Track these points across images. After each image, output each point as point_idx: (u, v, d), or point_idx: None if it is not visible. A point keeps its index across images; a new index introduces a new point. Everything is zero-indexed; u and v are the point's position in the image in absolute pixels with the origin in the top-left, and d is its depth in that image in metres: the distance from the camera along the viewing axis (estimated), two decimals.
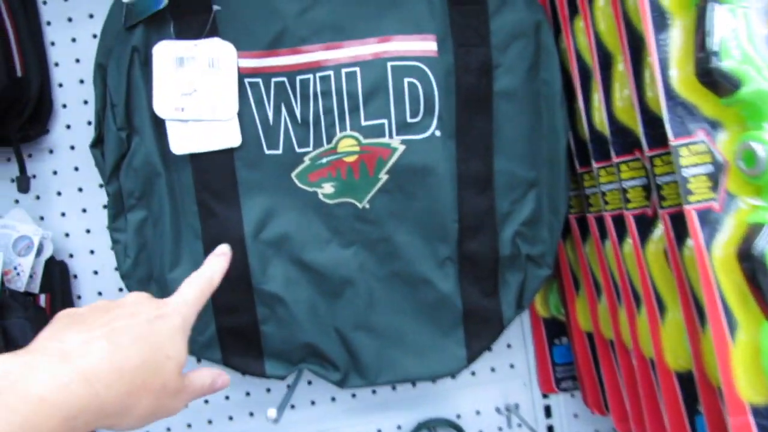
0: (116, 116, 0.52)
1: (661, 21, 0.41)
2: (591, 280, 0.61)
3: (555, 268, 0.67)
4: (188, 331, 0.37)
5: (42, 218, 0.71)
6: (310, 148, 0.54)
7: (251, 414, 0.73)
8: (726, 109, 0.40)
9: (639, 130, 0.45)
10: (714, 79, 0.39)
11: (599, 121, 0.52)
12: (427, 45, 0.53)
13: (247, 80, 0.53)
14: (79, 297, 0.72)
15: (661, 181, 0.45)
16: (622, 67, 0.49)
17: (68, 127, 0.70)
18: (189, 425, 0.72)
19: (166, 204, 0.54)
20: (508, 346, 0.76)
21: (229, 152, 0.53)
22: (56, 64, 0.70)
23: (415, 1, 0.53)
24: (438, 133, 0.54)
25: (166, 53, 0.51)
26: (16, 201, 0.70)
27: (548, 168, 0.57)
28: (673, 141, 0.40)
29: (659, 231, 0.48)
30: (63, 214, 0.71)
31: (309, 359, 0.58)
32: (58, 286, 0.68)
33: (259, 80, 0.53)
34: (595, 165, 0.54)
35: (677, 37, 0.41)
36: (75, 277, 0.72)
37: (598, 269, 0.58)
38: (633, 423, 0.55)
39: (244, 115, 0.53)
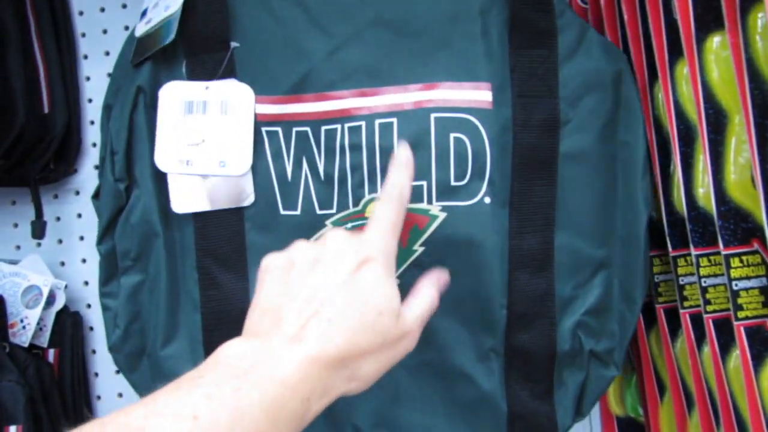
0: (115, 165, 0.46)
1: None
2: (681, 388, 0.49)
3: (636, 362, 0.55)
4: (393, 267, 0.36)
5: (63, 263, 0.67)
6: (333, 211, 0.46)
7: None
8: None
9: (762, 213, 0.34)
10: None
11: (703, 195, 0.41)
12: (481, 95, 0.44)
13: (264, 129, 0.46)
14: (93, 351, 0.67)
15: None
16: (740, 128, 0.38)
17: (97, 167, 0.66)
18: None
19: (163, 269, 0.47)
20: None
21: (238, 211, 0.46)
22: (89, 101, 0.66)
23: (469, 42, 0.44)
24: (487, 200, 0.45)
25: (174, 96, 0.45)
26: (39, 244, 0.67)
27: (623, 247, 0.46)
28: None
29: None
30: (84, 261, 0.67)
31: None
32: (68, 339, 0.63)
33: (279, 129, 0.46)
34: (694, 251, 0.42)
35: None
36: (91, 329, 0.67)
37: (690, 378, 0.46)
38: None
39: (258, 169, 0.46)
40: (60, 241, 0.67)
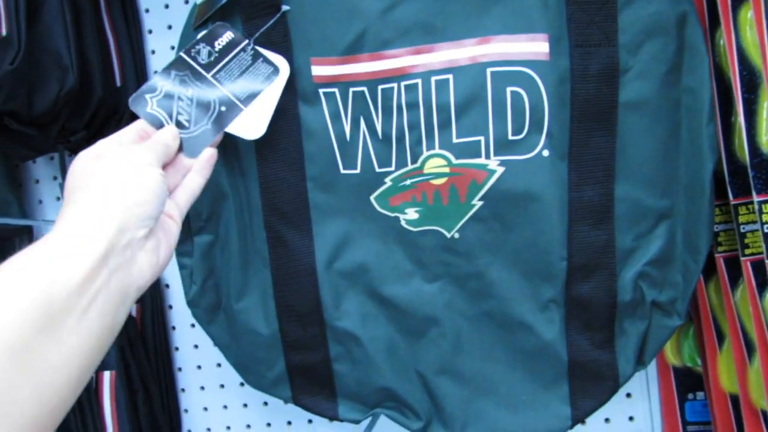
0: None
1: None
2: (741, 336, 0.49)
3: (693, 313, 0.55)
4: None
5: None
6: (393, 168, 0.47)
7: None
8: None
9: None
10: None
11: (767, 142, 0.40)
12: (537, 46, 0.44)
13: (321, 90, 0.47)
14: (170, 307, 0.72)
15: None
16: None
17: None
18: None
19: (233, 228, 0.50)
20: (628, 395, 0.65)
21: (300, 172, 0.48)
22: (155, 72, 0.69)
23: None
24: (546, 153, 0.45)
25: None
26: None
27: (686, 196, 0.46)
28: None
29: None
30: None
31: (386, 403, 0.51)
32: (148, 296, 0.68)
33: (336, 90, 0.47)
34: (756, 197, 0.42)
35: None
36: (167, 286, 0.72)
37: (751, 325, 0.46)
38: None
39: (316, 130, 0.48)
40: None
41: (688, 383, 0.62)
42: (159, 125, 0.42)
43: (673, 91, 0.44)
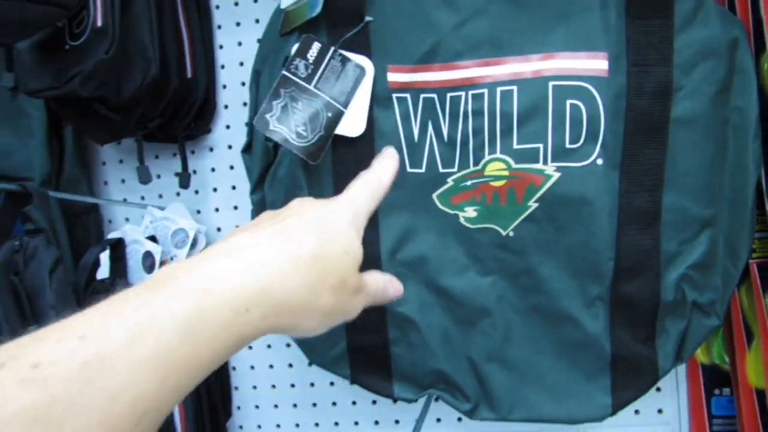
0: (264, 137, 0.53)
1: None
2: (749, 328, 0.52)
3: (725, 315, 0.59)
4: (361, 229, 0.35)
5: (198, 212, 0.76)
6: (455, 169, 0.51)
7: (376, 423, 0.73)
8: None
9: None
10: None
11: None
12: (597, 63, 0.47)
13: (395, 95, 0.51)
14: None
15: None
16: None
17: (228, 127, 0.74)
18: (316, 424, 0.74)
19: None
20: (658, 389, 0.68)
21: None
22: (222, 67, 0.73)
23: (587, 14, 0.47)
24: (600, 162, 0.48)
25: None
26: (178, 194, 0.76)
27: (730, 207, 0.49)
28: None
29: None
30: (217, 210, 0.75)
31: (438, 385, 0.56)
32: None
33: (408, 95, 0.51)
34: None
35: None
36: None
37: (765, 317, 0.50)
38: None
39: (388, 131, 0.52)
40: (196, 192, 0.75)
41: (715, 380, 0.65)
42: (282, 139, 0.47)
43: (721, 109, 0.48)
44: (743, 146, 0.48)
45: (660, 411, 0.69)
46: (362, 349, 0.55)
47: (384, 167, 0.40)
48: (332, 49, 0.49)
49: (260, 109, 0.48)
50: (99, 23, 0.56)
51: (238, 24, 0.72)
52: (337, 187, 0.53)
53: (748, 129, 0.47)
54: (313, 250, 0.30)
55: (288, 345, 0.74)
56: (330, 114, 0.48)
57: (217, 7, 0.73)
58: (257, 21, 0.72)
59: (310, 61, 0.49)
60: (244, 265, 0.27)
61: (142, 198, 0.76)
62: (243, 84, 0.73)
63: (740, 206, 0.49)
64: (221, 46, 0.73)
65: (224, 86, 0.73)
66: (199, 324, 0.24)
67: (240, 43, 0.73)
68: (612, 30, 0.47)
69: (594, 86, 0.48)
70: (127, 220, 0.77)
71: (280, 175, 0.54)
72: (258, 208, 0.56)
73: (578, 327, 0.52)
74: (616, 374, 0.52)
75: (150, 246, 0.65)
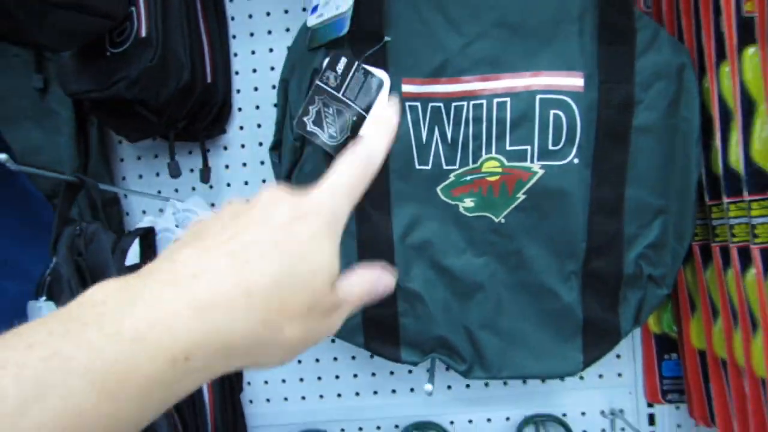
0: (293, 128, 0.61)
1: None
2: (708, 303, 0.64)
3: (672, 289, 0.71)
4: (339, 232, 0.28)
5: (213, 205, 0.83)
6: (456, 167, 0.61)
7: (375, 393, 0.82)
8: None
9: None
10: None
11: (735, 160, 0.56)
12: (575, 81, 0.58)
13: (407, 103, 0.61)
14: None
15: None
16: (764, 113, 0.52)
17: (241, 128, 0.82)
18: (321, 396, 0.83)
19: None
20: (618, 356, 0.80)
21: (385, 166, 0.61)
22: (236, 73, 0.81)
23: (567, 40, 0.58)
24: (576, 161, 0.59)
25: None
26: (194, 188, 0.83)
27: (677, 198, 0.61)
28: None
29: None
30: (231, 203, 0.83)
31: (439, 350, 0.65)
32: None
33: (418, 104, 0.61)
34: (725, 200, 0.57)
35: None
36: None
37: (717, 294, 0.62)
38: (723, 420, 0.59)
39: (401, 134, 0.61)
40: (211, 187, 0.83)
41: (665, 347, 0.77)
42: (318, 139, 0.55)
43: (672, 120, 0.59)
44: (688, 149, 0.59)
45: (620, 375, 0.81)
46: (375, 320, 0.65)
47: (376, 142, 0.31)
48: (356, 63, 0.59)
49: (299, 113, 0.57)
50: (143, 34, 0.64)
51: (251, 34, 0.81)
52: None
53: (692, 135, 0.59)
54: (274, 276, 0.24)
55: None
56: (355, 118, 0.58)
57: (233, 18, 0.80)
58: (269, 32, 0.80)
59: (339, 73, 0.58)
60: (192, 306, 0.22)
61: (159, 192, 0.83)
62: (256, 89, 0.81)
63: (685, 198, 0.60)
64: (236, 54, 0.81)
65: (238, 91, 0.81)
66: (123, 378, 0.20)
67: (253, 52, 0.81)
68: (587, 54, 0.58)
69: (572, 99, 0.58)
70: (144, 212, 0.84)
71: (306, 171, 0.62)
72: None
73: (556, 298, 0.62)
74: (586, 336, 0.63)
75: (180, 234, 0.72)
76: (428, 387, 0.65)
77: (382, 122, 0.32)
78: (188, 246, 0.25)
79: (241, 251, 0.24)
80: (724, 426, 0.65)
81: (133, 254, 0.70)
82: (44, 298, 0.57)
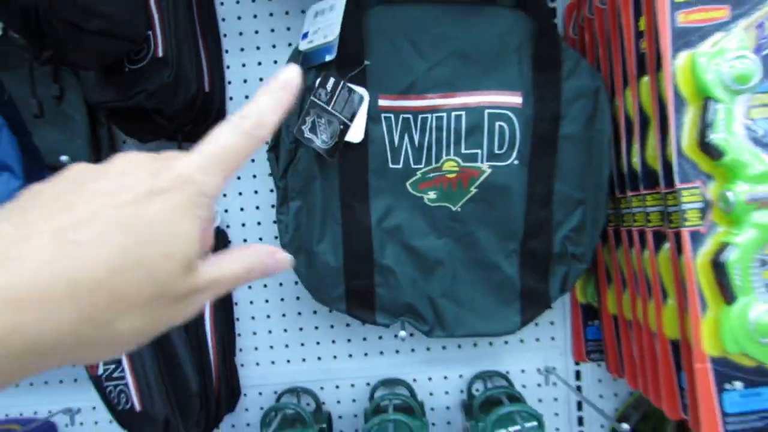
0: (289, 135, 0.75)
1: (680, 105, 0.61)
2: (620, 276, 0.81)
3: (592, 266, 0.88)
4: (204, 210, 0.25)
5: None
6: (422, 166, 0.76)
7: (348, 340, 0.97)
8: (715, 168, 0.60)
9: (660, 174, 0.66)
10: (708, 149, 0.59)
11: (635, 162, 0.72)
12: (515, 99, 0.74)
13: (383, 115, 0.75)
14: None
15: (670, 210, 0.65)
16: (654, 127, 0.69)
17: None
18: (320, 358, 0.97)
19: (318, 199, 0.76)
20: (551, 323, 0.97)
21: (364, 166, 0.76)
22: (229, 83, 0.94)
23: (508, 67, 0.74)
24: (516, 162, 0.75)
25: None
26: None
27: (593, 192, 0.77)
28: (679, 185, 0.61)
29: (668, 244, 0.68)
30: (224, 195, 0.96)
31: (407, 315, 0.80)
32: (220, 247, 0.93)
33: (392, 115, 0.75)
34: (629, 193, 0.74)
35: (689, 117, 0.61)
36: (229, 243, 0.97)
37: (625, 268, 0.79)
38: (640, 379, 0.76)
39: (377, 139, 0.75)
40: None
41: (589, 314, 0.93)
42: (314, 144, 0.68)
43: (590, 130, 0.76)
44: (602, 154, 0.76)
45: (553, 338, 0.98)
46: (355, 291, 0.79)
47: (266, 112, 0.27)
48: (342, 82, 0.73)
49: (297, 122, 0.71)
50: (160, 54, 0.76)
51: (242, 49, 0.93)
52: (342, 177, 0.76)
53: (604, 143, 0.75)
54: (110, 263, 0.21)
55: (281, 284, 0.96)
56: (342, 127, 0.72)
57: (225, 35, 0.93)
58: (258, 48, 0.93)
59: (328, 90, 0.72)
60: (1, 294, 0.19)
61: None
62: (247, 97, 0.94)
63: (600, 192, 0.77)
64: (228, 67, 0.94)
65: (230, 98, 0.94)
66: None
67: (244, 65, 0.93)
68: (524, 78, 0.74)
69: (513, 114, 0.74)
70: None
71: (299, 168, 0.76)
72: (283, 193, 0.77)
73: (500, 271, 0.78)
74: (523, 302, 0.79)
75: None
76: (402, 333, 0.80)
77: (277, 89, 0.28)
78: (8, 220, 0.21)
79: (71, 230, 0.21)
80: (630, 373, 0.82)
81: None
82: None
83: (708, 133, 0.59)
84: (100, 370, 0.71)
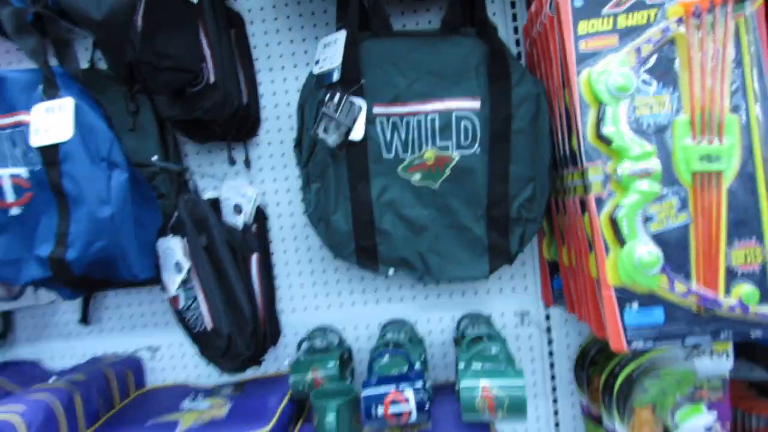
0: (308, 136, 1.01)
1: (585, 108, 0.85)
2: (567, 236, 1.05)
3: (549, 231, 1.12)
4: None
5: (251, 182, 1.23)
6: (408, 155, 1.01)
7: (365, 303, 1.24)
8: (611, 150, 0.84)
9: (578, 156, 0.90)
10: (602, 138, 0.83)
11: (574, 145, 0.96)
12: (476, 104, 0.99)
13: (377, 118, 1.00)
14: (269, 229, 1.25)
15: (586, 183, 0.89)
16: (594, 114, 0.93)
17: (267, 131, 1.21)
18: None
19: (332, 181, 1.03)
20: (524, 276, 1.22)
21: (364, 157, 1.01)
22: (261, 95, 1.21)
23: (469, 80, 0.98)
24: (478, 151, 1.00)
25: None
26: (237, 172, 1.23)
27: (540, 171, 1.01)
28: (586, 164, 0.85)
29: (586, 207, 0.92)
30: (262, 181, 1.23)
31: (402, 266, 1.06)
32: (261, 221, 1.20)
33: (384, 119, 1.00)
34: (565, 171, 0.98)
35: (590, 116, 0.85)
36: (267, 218, 1.25)
37: (570, 230, 1.03)
38: (583, 311, 1.01)
39: (374, 137, 1.01)
40: (249, 169, 1.23)
41: (554, 268, 1.19)
42: (327, 142, 0.95)
43: (534, 126, 0.99)
44: (544, 143, 1.00)
45: (526, 288, 1.22)
46: (362, 248, 1.05)
47: None
48: (345, 96, 0.98)
49: (314, 127, 0.97)
50: (212, 80, 1.03)
51: (270, 69, 1.20)
52: (349, 165, 1.02)
53: (545, 135, 0.99)
54: None
55: (309, 248, 1.23)
56: (346, 129, 0.98)
57: (257, 59, 1.20)
58: (283, 68, 1.20)
59: (335, 102, 0.98)
60: None
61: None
62: (276, 106, 1.20)
63: (544, 170, 1.01)
64: (260, 83, 1.21)
65: (263, 107, 1.21)
66: None
67: (272, 81, 1.20)
68: (482, 87, 0.98)
69: (475, 115, 0.99)
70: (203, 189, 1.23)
71: (317, 160, 1.02)
72: (306, 178, 1.04)
73: (471, 232, 1.03)
74: (490, 254, 1.04)
75: (242, 198, 1.13)
76: (391, 271, 1.06)
77: None
78: None
79: None
80: (578, 309, 1.07)
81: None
82: (171, 234, 0.98)
83: (601, 126, 0.83)
84: (181, 304, 1.00)
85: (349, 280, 1.24)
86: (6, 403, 0.93)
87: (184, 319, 1.02)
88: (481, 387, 0.87)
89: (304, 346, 1.13)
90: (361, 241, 1.05)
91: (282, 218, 1.23)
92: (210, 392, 1.17)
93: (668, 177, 0.83)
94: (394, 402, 0.87)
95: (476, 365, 0.91)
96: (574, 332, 1.22)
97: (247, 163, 1.19)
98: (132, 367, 1.25)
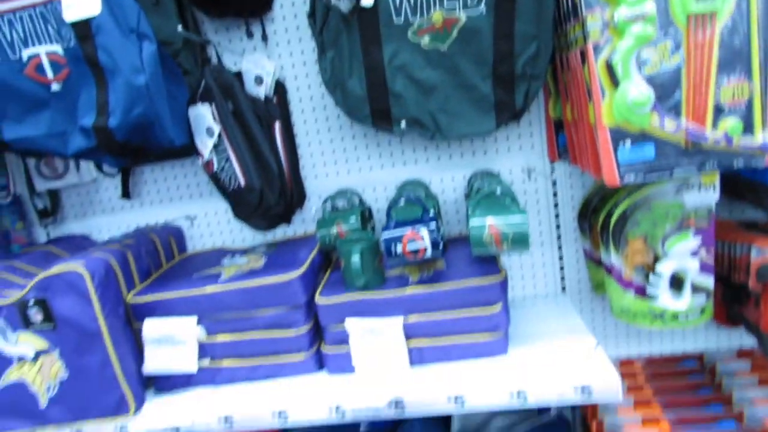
0: (322, 4, 1.05)
1: None
2: (571, 90, 1.11)
3: (555, 90, 1.18)
4: None
5: (268, 57, 1.29)
6: (417, 18, 1.06)
7: (382, 167, 1.33)
8: None
9: (579, 4, 0.94)
10: None
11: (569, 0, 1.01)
12: None
13: None
14: (289, 101, 1.33)
15: (585, 32, 0.94)
16: None
17: (281, 6, 1.26)
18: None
19: (346, 47, 1.09)
20: (531, 134, 1.29)
21: (376, 21, 1.06)
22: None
23: None
24: (484, 11, 1.04)
25: None
26: (254, 48, 1.29)
27: (544, 29, 1.05)
28: (586, 12, 0.90)
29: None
30: (279, 56, 1.29)
31: (414, 125, 1.14)
32: (281, 92, 1.28)
33: None
34: (567, 26, 1.03)
35: None
36: (287, 90, 1.32)
37: (572, 83, 1.09)
38: (584, 159, 1.10)
39: (383, 2, 1.05)
40: (266, 45, 1.29)
41: (558, 127, 1.26)
42: (341, 7, 1.00)
43: None
44: (548, 6, 1.03)
45: (533, 146, 1.30)
46: (377, 110, 1.13)
47: None
48: None
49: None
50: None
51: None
52: (361, 30, 1.07)
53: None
54: None
55: (327, 118, 1.32)
56: None
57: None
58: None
59: None
60: None
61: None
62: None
63: (547, 28, 1.05)
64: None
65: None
66: None
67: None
68: None
69: None
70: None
71: (331, 26, 1.08)
72: (321, 46, 1.10)
73: (479, 90, 1.10)
74: (497, 110, 1.11)
75: (261, 71, 1.20)
76: (403, 123, 1.14)
77: None
78: None
79: None
80: (580, 159, 1.15)
81: None
82: (200, 102, 1.06)
83: None
84: (215, 167, 1.11)
85: (366, 146, 1.32)
86: (68, 261, 1.06)
87: (219, 180, 1.13)
88: (488, 224, 0.97)
89: (328, 205, 1.24)
90: (375, 103, 1.12)
91: (300, 91, 1.30)
92: (246, 251, 1.30)
93: (664, 20, 0.87)
94: (411, 240, 0.98)
95: (483, 206, 1.01)
96: (578, 185, 1.31)
97: (264, 38, 1.24)
98: (174, 233, 1.38)
